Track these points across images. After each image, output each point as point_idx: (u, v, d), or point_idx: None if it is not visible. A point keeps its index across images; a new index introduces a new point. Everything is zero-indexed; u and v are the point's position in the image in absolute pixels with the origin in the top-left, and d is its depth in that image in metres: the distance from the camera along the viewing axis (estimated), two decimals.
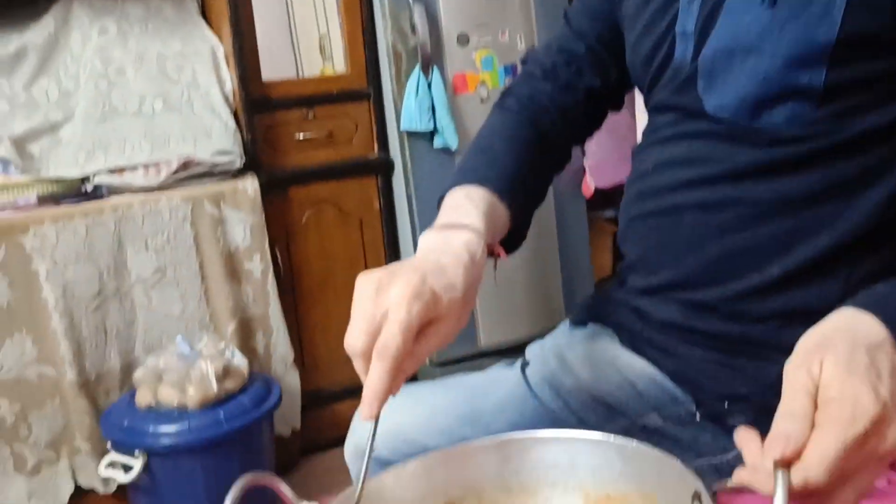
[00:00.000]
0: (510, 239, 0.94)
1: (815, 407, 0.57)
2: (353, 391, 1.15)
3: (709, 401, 0.90)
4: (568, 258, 2.60)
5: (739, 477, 0.58)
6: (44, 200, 2.07)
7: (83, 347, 2.05)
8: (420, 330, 0.70)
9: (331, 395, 2.45)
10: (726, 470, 0.63)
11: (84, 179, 2.15)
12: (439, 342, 0.72)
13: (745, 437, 0.60)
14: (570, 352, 0.98)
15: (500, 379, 1.00)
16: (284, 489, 0.68)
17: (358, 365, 0.70)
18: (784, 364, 0.87)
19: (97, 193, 2.11)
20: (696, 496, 0.62)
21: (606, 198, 2.66)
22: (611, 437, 0.71)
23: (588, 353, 0.96)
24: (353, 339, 0.69)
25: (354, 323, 0.70)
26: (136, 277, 2.12)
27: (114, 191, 2.14)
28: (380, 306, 0.69)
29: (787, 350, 0.87)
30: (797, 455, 0.55)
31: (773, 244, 0.85)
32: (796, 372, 0.59)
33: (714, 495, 0.60)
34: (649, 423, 0.92)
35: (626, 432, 0.89)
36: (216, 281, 2.20)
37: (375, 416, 0.69)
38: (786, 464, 0.55)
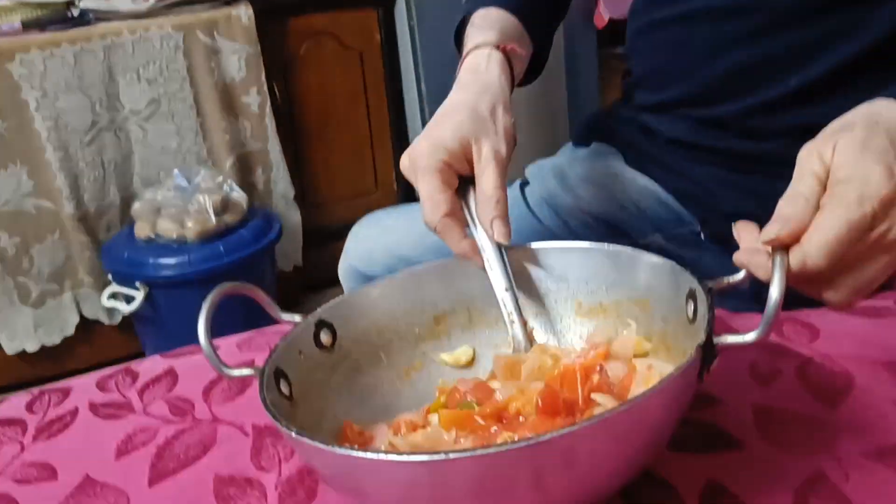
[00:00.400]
0: (530, 65, 0.88)
1: (823, 190, 0.53)
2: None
3: (715, 221, 0.86)
4: (576, 95, 2.51)
5: (737, 259, 0.55)
6: (28, 26, 1.98)
7: (80, 181, 2.03)
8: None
9: (333, 233, 2.43)
10: (729, 293, 0.60)
11: (69, 4, 2.05)
12: (494, 165, 0.69)
13: (742, 226, 0.57)
14: (571, 170, 0.94)
15: None
16: (264, 298, 0.65)
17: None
18: (789, 182, 0.83)
19: (84, 19, 2.02)
20: (691, 295, 0.59)
21: (619, 32, 2.54)
22: (603, 246, 0.68)
23: (590, 172, 0.92)
24: (429, 221, 0.68)
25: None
26: (130, 110, 2.06)
27: (101, 17, 2.04)
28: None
29: None
30: (795, 238, 0.51)
31: (792, 55, 0.79)
32: (808, 156, 0.54)
33: (710, 294, 0.57)
34: (652, 244, 0.89)
35: None
36: (212, 115, 2.14)
37: (481, 264, 0.68)
38: (784, 247, 0.52)
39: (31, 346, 2.07)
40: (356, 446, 0.48)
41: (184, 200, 1.94)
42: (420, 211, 1.02)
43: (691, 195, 0.87)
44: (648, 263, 0.65)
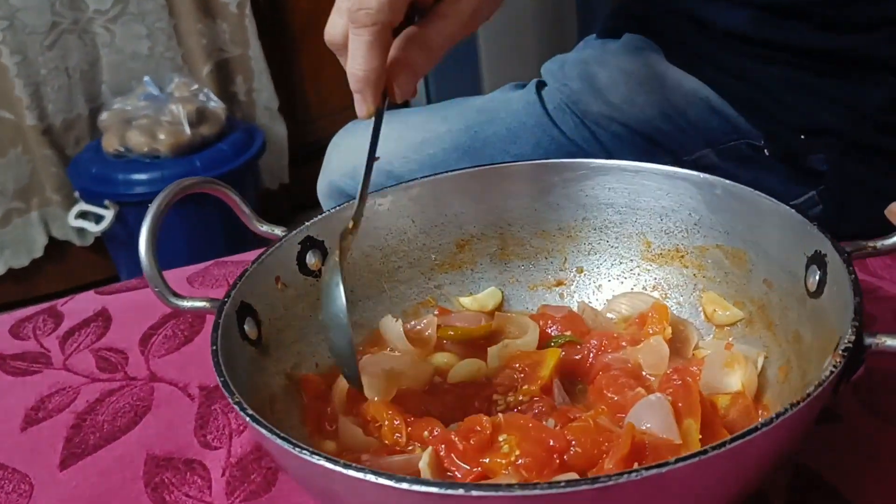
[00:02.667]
0: None
1: None
2: None
3: (781, 133, 0.70)
4: None
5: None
6: None
7: (42, 89, 1.88)
8: (433, 6, 0.48)
9: (323, 148, 2.28)
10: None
11: None
12: (457, 23, 0.49)
13: None
14: (599, 69, 0.77)
15: (509, 103, 0.79)
16: (235, 202, 0.52)
17: (344, 61, 0.49)
18: (882, 87, 0.66)
19: None
20: (817, 259, 0.44)
21: None
22: (692, 173, 0.53)
23: (623, 71, 0.76)
24: (332, 26, 0.48)
25: (335, 7, 0.48)
26: (95, 10, 1.91)
27: None
28: None
29: None
30: None
31: None
32: None
33: (848, 259, 0.41)
34: (700, 162, 0.73)
35: None
36: (186, 15, 1.97)
37: (372, 111, 0.48)
38: None
39: None
40: (337, 459, 0.33)
41: (155, 111, 1.79)
42: (415, 117, 0.86)
43: (752, 102, 0.71)
44: (757, 205, 0.50)
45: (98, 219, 1.80)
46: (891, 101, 0.66)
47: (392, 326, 0.53)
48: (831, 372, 0.35)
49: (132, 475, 0.48)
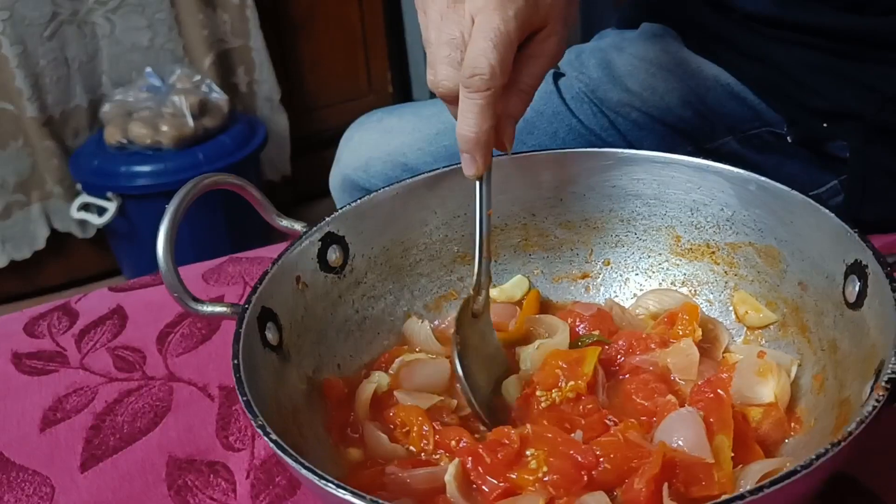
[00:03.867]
0: None
1: None
2: None
3: (804, 119, 0.69)
4: None
5: None
6: None
7: (42, 81, 1.86)
8: (520, 47, 0.48)
9: (324, 139, 2.28)
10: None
11: None
12: (547, 61, 0.50)
13: None
14: (618, 57, 0.76)
15: None
16: (256, 197, 0.51)
17: (453, 110, 0.49)
18: None
19: None
20: (857, 269, 0.43)
21: None
22: (724, 167, 0.52)
23: (642, 59, 0.75)
24: (442, 78, 0.48)
25: (435, 54, 0.48)
26: (95, 1, 1.89)
27: None
28: (463, 17, 0.47)
29: None
30: None
31: None
32: None
33: (891, 273, 0.40)
34: (722, 149, 0.72)
35: None
36: (188, 6, 1.95)
37: (482, 171, 0.49)
38: None
39: (0, 262, 1.94)
40: (364, 495, 0.32)
41: (157, 102, 1.78)
42: (428, 109, 0.85)
43: (774, 87, 0.70)
44: (794, 204, 0.49)
45: (101, 211, 1.80)
46: None
47: (419, 329, 0.52)
48: (874, 407, 0.34)
49: (155, 478, 0.47)
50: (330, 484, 0.33)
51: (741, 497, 0.31)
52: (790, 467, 0.32)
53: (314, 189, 2.22)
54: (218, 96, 1.86)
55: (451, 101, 0.49)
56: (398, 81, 2.40)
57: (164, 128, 1.74)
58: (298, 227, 0.51)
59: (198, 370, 0.56)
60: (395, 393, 0.48)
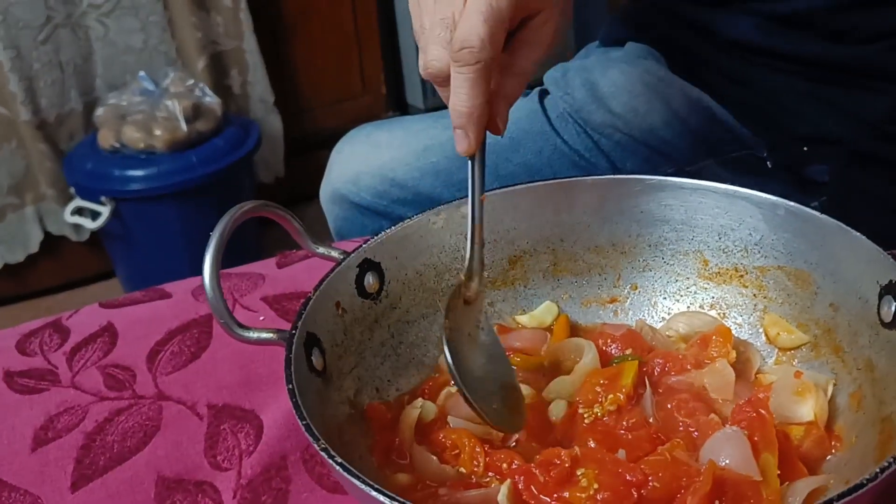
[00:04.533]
0: None
1: None
2: (342, 135, 0.99)
3: (784, 143, 0.70)
4: None
5: None
6: None
7: (36, 84, 1.86)
8: (515, 32, 0.49)
9: (318, 141, 2.28)
10: None
11: None
12: (542, 48, 0.50)
13: None
14: (602, 78, 0.77)
15: (512, 111, 0.78)
16: (292, 224, 0.50)
17: (445, 93, 0.49)
18: (884, 96, 0.67)
19: None
20: (891, 289, 0.44)
21: None
22: (752, 193, 0.53)
23: (626, 80, 0.76)
24: (433, 58, 0.48)
25: (426, 37, 0.48)
26: (89, 3, 1.90)
27: None
28: (456, 1, 0.47)
29: None
30: None
31: None
32: None
33: None
34: (703, 172, 0.74)
35: None
36: (181, 8, 1.96)
37: (474, 148, 0.48)
38: None
39: None
40: None
41: (151, 106, 1.79)
42: (416, 125, 0.86)
43: (756, 111, 0.72)
44: (823, 228, 0.50)
45: (94, 215, 1.80)
46: (893, 110, 0.67)
47: None
48: None
49: (143, 498, 0.49)
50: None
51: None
52: (838, 484, 0.34)
53: (308, 190, 2.22)
54: (211, 100, 1.86)
55: (441, 83, 0.49)
56: (391, 82, 2.40)
57: (158, 131, 1.75)
58: (335, 253, 0.52)
59: (186, 388, 0.57)
60: (448, 418, 0.49)
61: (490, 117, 0.49)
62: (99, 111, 1.82)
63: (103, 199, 1.77)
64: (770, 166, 0.72)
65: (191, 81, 1.85)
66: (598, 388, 0.49)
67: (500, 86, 0.49)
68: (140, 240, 1.85)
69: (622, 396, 0.48)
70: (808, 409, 0.47)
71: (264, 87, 2.11)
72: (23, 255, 1.97)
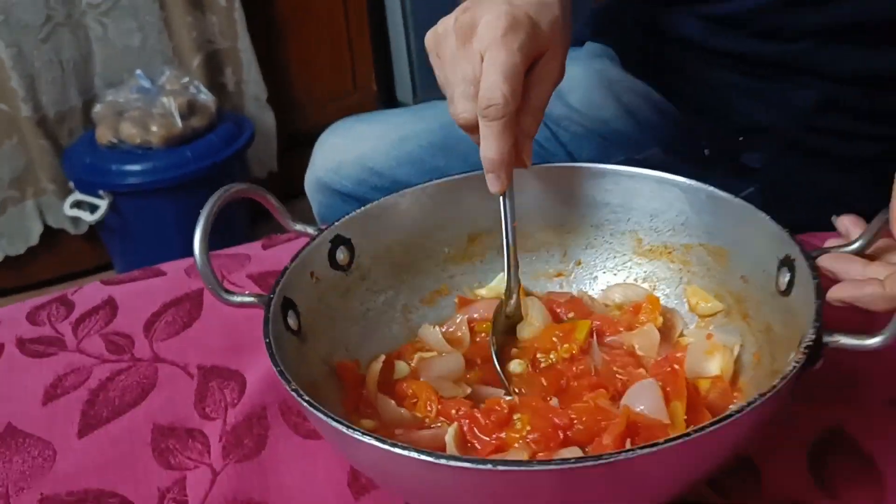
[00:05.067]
0: None
1: None
2: None
3: (723, 134, 0.77)
4: None
5: (838, 295, 0.47)
6: None
7: (37, 82, 1.90)
8: (527, 73, 0.54)
9: (311, 137, 2.30)
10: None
11: None
12: (553, 81, 0.56)
13: (851, 222, 0.49)
14: None
15: None
16: (273, 204, 0.56)
17: (475, 138, 0.56)
18: (810, 89, 0.73)
19: None
20: (787, 263, 0.51)
21: None
22: (680, 179, 0.59)
23: (583, 77, 0.82)
24: (462, 111, 0.54)
25: (452, 91, 0.54)
26: (88, 4, 1.92)
27: None
28: (473, 55, 0.53)
29: (823, 74, 0.74)
30: None
31: None
32: None
33: (813, 265, 0.48)
34: (650, 160, 0.80)
35: None
36: (177, 9, 1.99)
37: (506, 187, 0.55)
38: None
39: None
40: (383, 437, 0.40)
41: (147, 103, 1.82)
42: (393, 117, 0.92)
43: (697, 104, 0.78)
44: (737, 210, 0.56)
45: (93, 208, 1.84)
46: (818, 102, 0.73)
47: (431, 333, 0.60)
48: (794, 367, 0.42)
49: (141, 442, 0.55)
50: (357, 431, 0.40)
51: (687, 434, 0.38)
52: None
53: (300, 184, 2.27)
54: (205, 97, 1.90)
55: (471, 129, 0.55)
56: (382, 80, 2.42)
57: (154, 128, 1.79)
58: (311, 230, 0.57)
59: (179, 353, 0.64)
60: (421, 377, 0.56)
61: (516, 155, 0.55)
62: (97, 108, 1.86)
63: (101, 192, 1.81)
64: (708, 154, 0.78)
65: (186, 79, 1.89)
66: (555, 339, 0.56)
67: (521, 125, 0.55)
68: (136, 232, 1.90)
69: (576, 347, 0.55)
70: (715, 366, 0.54)
71: (258, 84, 2.14)
72: (23, 248, 2.00)
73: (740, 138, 0.76)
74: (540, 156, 0.82)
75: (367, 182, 0.88)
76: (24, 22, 1.84)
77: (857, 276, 0.48)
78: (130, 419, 0.57)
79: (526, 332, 0.59)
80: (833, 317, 0.46)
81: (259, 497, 0.51)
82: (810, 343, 0.43)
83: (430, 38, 0.57)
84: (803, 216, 0.76)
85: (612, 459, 0.38)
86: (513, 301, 0.58)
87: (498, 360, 0.55)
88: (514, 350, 0.58)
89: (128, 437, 0.56)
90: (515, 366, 0.57)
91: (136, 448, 0.55)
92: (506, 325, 0.59)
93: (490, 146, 0.53)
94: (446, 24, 0.55)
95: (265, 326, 0.49)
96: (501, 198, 0.57)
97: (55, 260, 2.08)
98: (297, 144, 2.31)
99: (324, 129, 1.51)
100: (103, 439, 0.56)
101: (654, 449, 0.38)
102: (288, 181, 2.30)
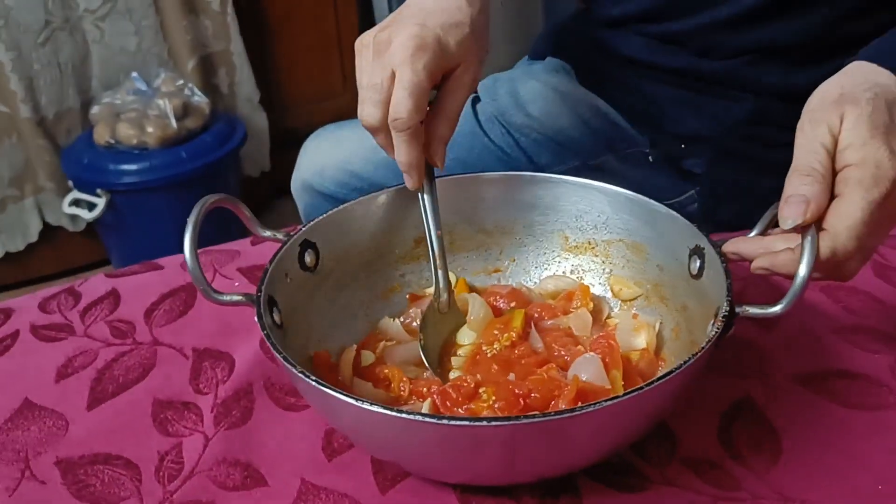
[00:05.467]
0: None
1: (832, 165, 0.51)
2: None
3: (665, 142, 0.85)
4: (553, 4, 2.42)
5: (758, 266, 0.53)
6: None
7: (36, 83, 1.95)
8: (441, 84, 0.61)
9: (301, 136, 2.36)
10: (681, 213, 0.61)
11: None
12: (465, 92, 0.63)
13: (736, 241, 0.55)
14: (523, 86, 0.91)
15: None
16: (245, 213, 0.62)
17: (380, 140, 0.63)
18: (744, 102, 0.81)
19: None
20: (697, 251, 0.58)
21: None
22: (601, 185, 0.67)
23: (542, 89, 0.90)
24: (367, 115, 0.61)
25: (363, 95, 0.61)
26: (85, 8, 1.97)
27: None
28: (385, 68, 0.59)
29: (754, 88, 0.82)
30: (818, 217, 0.50)
31: None
32: (814, 125, 0.52)
33: (720, 252, 0.56)
34: (604, 165, 0.88)
35: (578, 173, 0.85)
36: (172, 13, 2.05)
37: (419, 185, 0.62)
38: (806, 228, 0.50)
39: None
40: (393, 407, 0.47)
41: (143, 105, 1.88)
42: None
43: (643, 115, 0.86)
44: (651, 209, 0.64)
45: (91, 206, 1.90)
46: (750, 114, 0.81)
47: (391, 325, 0.67)
48: (715, 333, 0.50)
49: (142, 413, 0.63)
50: (339, 393, 0.47)
51: (627, 394, 0.46)
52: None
53: (289, 183, 2.33)
54: (199, 99, 1.96)
55: (375, 132, 0.62)
56: None
57: (150, 129, 1.85)
58: (280, 235, 0.64)
59: (176, 337, 0.72)
60: (386, 362, 0.63)
61: (429, 156, 0.63)
62: (94, 109, 1.91)
63: (99, 191, 1.87)
64: (654, 160, 0.87)
65: (181, 81, 1.95)
66: (496, 331, 0.64)
67: (434, 128, 0.62)
68: (133, 229, 1.95)
69: (514, 335, 0.63)
70: (641, 340, 0.62)
71: (250, 86, 2.20)
72: (22, 244, 2.06)
73: (682, 146, 0.84)
74: (503, 161, 0.90)
75: (349, 184, 0.95)
76: (24, 25, 1.89)
77: (759, 251, 0.54)
78: (133, 394, 0.65)
79: (465, 338, 0.65)
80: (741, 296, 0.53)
81: (245, 459, 0.59)
82: (726, 313, 0.51)
83: (357, 44, 0.63)
84: (739, 215, 0.85)
85: (556, 417, 0.45)
86: (442, 300, 0.65)
87: (439, 355, 0.62)
88: (456, 347, 0.65)
89: (131, 409, 0.64)
90: (459, 357, 0.64)
91: (138, 418, 0.63)
92: (442, 322, 0.65)
93: (400, 153, 0.61)
94: (368, 37, 0.62)
95: (259, 321, 0.55)
96: (420, 196, 0.64)
97: (53, 256, 2.13)
98: (288, 142, 2.37)
99: (314, 130, 1.59)
100: (109, 411, 0.64)
101: (600, 406, 0.45)
102: (280, 179, 2.36)
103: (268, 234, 0.64)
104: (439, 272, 0.65)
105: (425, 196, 0.64)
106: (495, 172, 0.70)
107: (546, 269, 0.72)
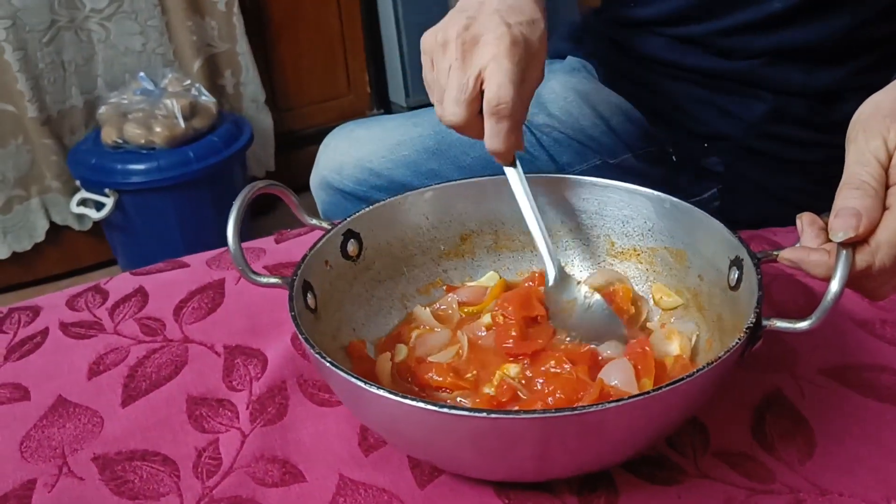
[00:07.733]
0: None
1: (887, 179, 0.50)
2: (329, 132, 1.11)
3: (686, 141, 0.86)
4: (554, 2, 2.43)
5: (788, 256, 0.52)
6: None
7: (41, 83, 1.96)
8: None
9: (306, 137, 2.40)
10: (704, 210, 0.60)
11: None
12: (537, 82, 0.64)
13: (808, 221, 0.54)
14: (543, 86, 0.91)
15: None
16: (293, 201, 0.63)
17: (466, 133, 0.63)
18: (764, 101, 0.82)
19: None
20: (737, 263, 0.58)
21: None
22: (647, 191, 0.66)
23: (563, 88, 0.90)
24: (451, 115, 0.61)
25: (447, 94, 0.61)
26: (91, 8, 1.98)
27: None
28: (473, 67, 0.60)
29: (775, 88, 0.83)
30: (869, 232, 0.48)
31: None
32: (869, 137, 0.50)
33: (757, 264, 0.56)
34: (624, 164, 0.89)
35: (600, 172, 0.86)
36: (177, 13, 2.06)
37: (511, 159, 0.63)
38: (851, 243, 0.49)
39: (2, 253, 2.05)
40: (415, 398, 0.47)
41: (150, 105, 1.89)
42: (391, 123, 1.00)
43: (663, 114, 0.86)
44: (695, 217, 0.63)
45: (98, 206, 1.91)
46: (769, 112, 0.82)
47: (423, 312, 0.68)
48: (736, 343, 0.50)
49: (177, 410, 0.64)
50: (370, 384, 0.47)
51: (643, 395, 0.47)
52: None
53: (296, 183, 2.32)
54: (206, 99, 1.96)
55: (459, 128, 0.62)
56: (375, 81, 2.49)
57: (157, 128, 1.86)
58: (325, 224, 0.65)
59: (206, 334, 0.72)
60: (417, 351, 0.64)
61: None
62: (102, 110, 1.91)
63: (107, 191, 1.88)
64: (675, 159, 0.87)
65: (187, 82, 1.95)
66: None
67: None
68: (140, 229, 1.96)
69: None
70: (675, 347, 0.62)
71: (256, 86, 2.22)
72: (29, 244, 2.06)
73: (704, 145, 0.85)
74: (525, 159, 0.91)
75: (367, 182, 0.96)
76: (30, 26, 1.90)
77: (810, 242, 0.53)
78: (167, 391, 0.66)
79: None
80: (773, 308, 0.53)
81: (283, 455, 0.59)
82: (751, 325, 0.51)
83: (429, 41, 0.63)
84: (759, 213, 0.86)
85: (584, 411, 0.46)
86: (553, 277, 0.64)
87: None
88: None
89: (165, 406, 0.64)
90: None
91: (173, 415, 0.63)
92: (563, 289, 0.65)
93: (500, 140, 0.61)
94: (447, 33, 0.62)
95: (290, 303, 0.56)
96: (510, 170, 0.64)
97: (60, 256, 2.14)
98: (293, 143, 2.38)
99: (319, 130, 1.58)
100: (144, 408, 0.64)
101: (621, 403, 0.46)
102: (284, 179, 2.38)
103: (314, 221, 0.65)
104: (549, 254, 0.64)
105: (518, 168, 0.64)
106: (539, 174, 0.70)
107: (591, 273, 0.71)
